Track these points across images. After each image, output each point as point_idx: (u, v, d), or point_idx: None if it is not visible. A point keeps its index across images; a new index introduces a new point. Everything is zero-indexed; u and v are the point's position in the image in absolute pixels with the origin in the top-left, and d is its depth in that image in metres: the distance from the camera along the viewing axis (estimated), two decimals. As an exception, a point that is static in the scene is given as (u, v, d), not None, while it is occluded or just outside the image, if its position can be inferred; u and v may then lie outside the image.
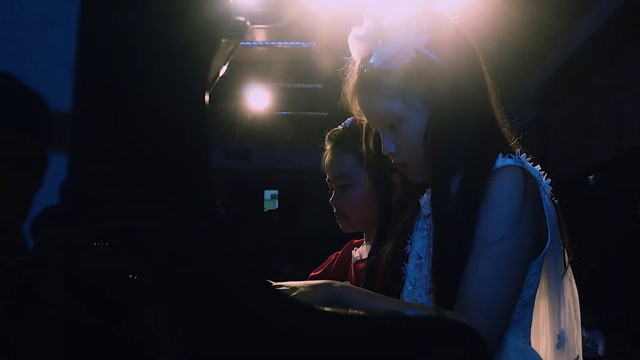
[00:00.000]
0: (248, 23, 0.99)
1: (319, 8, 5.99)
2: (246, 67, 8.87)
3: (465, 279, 1.15)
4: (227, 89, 9.41)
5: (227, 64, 1.08)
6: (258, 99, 9.57)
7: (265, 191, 14.79)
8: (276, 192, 14.50)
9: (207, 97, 0.92)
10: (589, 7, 6.99)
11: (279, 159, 12.30)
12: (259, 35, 7.88)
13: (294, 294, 1.14)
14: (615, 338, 5.84)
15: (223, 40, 0.98)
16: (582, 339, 5.59)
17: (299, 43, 7.57)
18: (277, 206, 14.43)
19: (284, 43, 7.81)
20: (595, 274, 7.18)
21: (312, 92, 9.00)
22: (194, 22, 0.92)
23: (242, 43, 8.06)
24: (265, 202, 14.85)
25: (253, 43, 8.09)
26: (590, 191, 7.46)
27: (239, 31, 1.00)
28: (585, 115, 7.70)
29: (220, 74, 1.09)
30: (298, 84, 9.14)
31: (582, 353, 5.44)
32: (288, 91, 9.42)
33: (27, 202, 0.90)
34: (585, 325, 5.85)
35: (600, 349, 5.65)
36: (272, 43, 8.01)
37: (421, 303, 1.30)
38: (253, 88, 9.36)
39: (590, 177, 7.43)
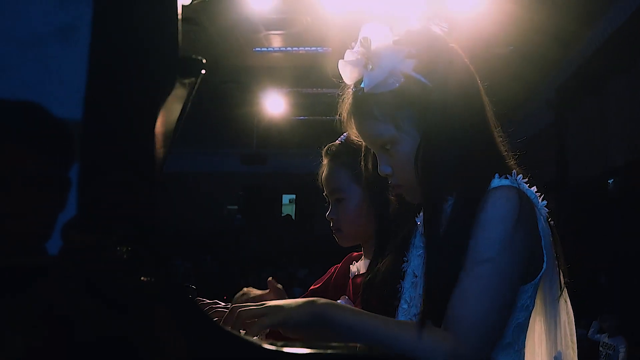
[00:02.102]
0: (204, 61, 1.04)
1: (334, 13, 6.00)
2: (262, 72, 8.91)
3: (454, 296, 1.15)
4: (244, 94, 9.46)
5: (191, 97, 1.13)
6: (274, 104, 9.61)
7: (284, 195, 14.83)
8: (294, 196, 14.52)
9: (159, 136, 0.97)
10: (605, 10, 6.96)
11: (296, 163, 12.33)
12: (275, 41, 7.91)
13: (279, 312, 1.15)
14: (637, 343, 5.78)
15: (180, 79, 1.02)
16: (604, 345, 5.52)
17: (314, 48, 7.59)
18: (294, 210, 14.46)
19: (300, 49, 7.83)
20: (616, 279, 7.13)
21: (327, 97, 9.03)
22: (144, 65, 0.97)
23: (259, 49, 8.10)
24: (283, 207, 14.89)
25: (269, 49, 8.12)
26: (610, 194, 7.40)
27: (195, 69, 1.05)
28: (601, 118, 7.65)
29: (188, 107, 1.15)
30: (314, 89, 9.17)
31: (604, 360, 5.27)
32: (304, 96, 9.46)
33: (49, 214, 0.95)
34: (608, 331, 5.79)
35: (622, 356, 5.60)
36: (287, 49, 8.04)
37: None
38: (269, 93, 9.40)
39: (610, 180, 7.38)
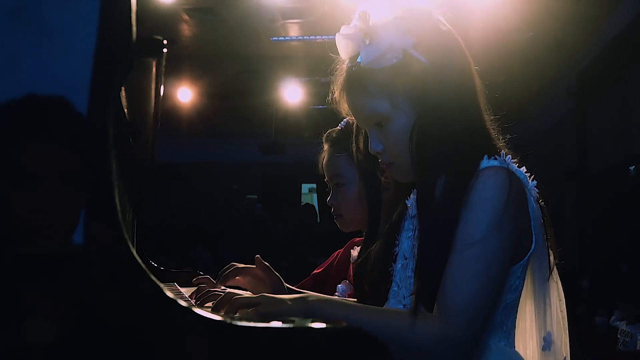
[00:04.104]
0: (165, 41, 1.04)
1: (351, 2, 5.98)
2: (280, 62, 8.90)
3: (444, 279, 1.16)
4: (262, 84, 9.46)
5: (161, 78, 1.13)
6: (292, 94, 9.60)
7: (303, 184, 14.82)
8: (314, 185, 14.50)
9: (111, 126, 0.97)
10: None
11: (315, 152, 12.30)
12: (292, 30, 7.90)
13: (273, 304, 1.16)
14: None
15: (140, 59, 1.02)
16: (622, 333, 5.47)
17: (332, 37, 7.54)
18: (315, 200, 14.44)
19: (317, 37, 7.81)
20: (638, 266, 7.07)
21: (346, 85, 8.99)
22: (98, 46, 0.96)
23: (275, 38, 8.09)
24: (302, 196, 14.89)
25: (286, 38, 8.11)
26: (631, 182, 7.33)
27: (155, 49, 1.04)
28: (623, 106, 7.57)
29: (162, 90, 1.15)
30: (331, 78, 9.16)
31: (622, 348, 5.34)
32: (322, 85, 9.44)
33: (73, 207, 0.97)
34: (626, 318, 5.76)
35: (639, 344, 5.56)
36: (305, 37, 8.02)
37: (404, 306, 1.30)
38: (287, 83, 9.39)
39: (631, 167, 7.31)
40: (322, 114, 10.68)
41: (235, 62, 8.88)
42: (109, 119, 0.94)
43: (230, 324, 0.96)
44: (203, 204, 13.08)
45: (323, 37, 7.69)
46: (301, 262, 11.13)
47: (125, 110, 1.23)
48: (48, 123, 0.98)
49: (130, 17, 0.94)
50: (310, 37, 7.89)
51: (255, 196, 14.27)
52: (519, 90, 7.91)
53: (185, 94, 9.50)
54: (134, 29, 0.94)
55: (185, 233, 11.90)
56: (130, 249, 0.93)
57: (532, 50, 7.59)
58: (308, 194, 15.04)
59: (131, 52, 0.96)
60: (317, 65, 8.64)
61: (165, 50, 1.06)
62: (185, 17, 7.56)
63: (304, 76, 9.26)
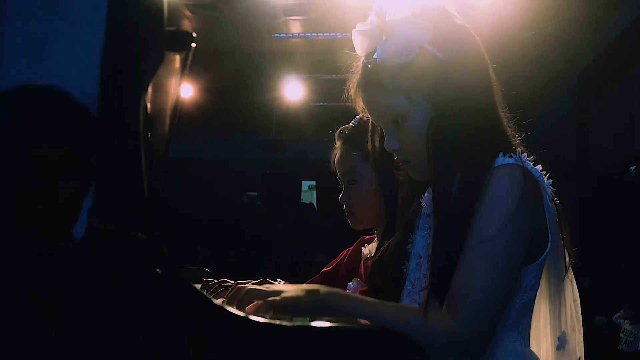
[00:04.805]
0: (194, 34, 1.03)
1: (352, -1, 5.97)
2: (281, 58, 8.89)
3: (456, 275, 1.16)
4: (263, 81, 9.45)
5: (185, 73, 1.13)
6: (293, 91, 9.60)
7: (303, 182, 14.82)
8: (313, 182, 14.50)
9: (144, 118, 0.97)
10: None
11: (315, 149, 12.28)
12: (294, 27, 7.88)
13: (285, 296, 1.15)
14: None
15: (168, 52, 1.02)
16: (625, 333, 5.43)
17: (333, 34, 7.55)
18: (314, 197, 14.43)
19: (319, 34, 7.80)
20: (638, 266, 7.07)
21: (347, 83, 8.97)
22: (131, 38, 0.96)
23: (277, 35, 8.08)
24: (302, 193, 14.89)
25: (288, 35, 8.10)
26: (632, 182, 7.33)
27: (184, 42, 1.05)
28: (624, 105, 7.56)
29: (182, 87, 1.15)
30: (333, 75, 9.13)
31: (624, 347, 5.31)
32: (323, 82, 9.43)
33: (74, 200, 0.98)
34: (630, 318, 5.75)
35: (642, 344, 5.56)
36: (306, 34, 8.01)
37: (419, 305, 1.29)
38: (288, 79, 9.38)
39: (632, 167, 7.31)
40: (323, 112, 10.66)
41: (236, 59, 8.87)
42: (141, 110, 0.94)
43: (247, 318, 0.96)
44: (203, 200, 13.08)
45: (325, 34, 7.67)
46: (300, 261, 11.14)
47: (148, 103, 1.23)
48: (77, 114, 0.98)
49: (162, 10, 0.94)
50: (312, 34, 7.88)
51: (255, 193, 14.27)
52: (521, 89, 7.88)
53: (186, 90, 9.49)
54: (165, 21, 0.94)
55: (185, 230, 11.91)
56: (155, 235, 0.94)
57: (533, 50, 7.58)
58: (308, 191, 15.04)
59: (163, 44, 0.96)
60: (318, 62, 8.64)
61: (194, 44, 1.05)
62: (187, 12, 7.54)
63: (305, 73, 9.25)
